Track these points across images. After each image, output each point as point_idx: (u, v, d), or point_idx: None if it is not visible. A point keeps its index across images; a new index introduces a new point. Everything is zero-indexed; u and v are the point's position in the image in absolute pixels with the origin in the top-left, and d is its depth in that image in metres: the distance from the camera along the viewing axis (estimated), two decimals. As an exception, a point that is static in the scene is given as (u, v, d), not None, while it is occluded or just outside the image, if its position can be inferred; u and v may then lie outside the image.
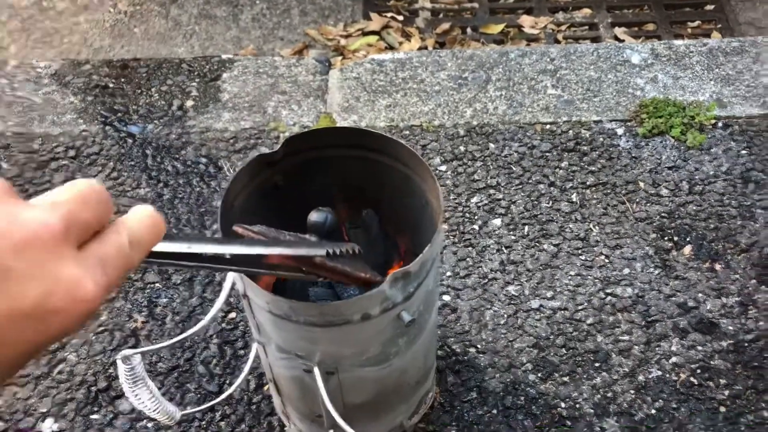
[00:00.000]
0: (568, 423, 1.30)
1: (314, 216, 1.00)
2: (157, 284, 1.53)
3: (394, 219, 1.17)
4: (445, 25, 2.51)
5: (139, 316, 1.48)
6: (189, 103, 1.91)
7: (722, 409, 1.30)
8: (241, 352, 1.42)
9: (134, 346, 1.43)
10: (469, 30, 2.52)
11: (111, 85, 1.97)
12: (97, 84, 1.97)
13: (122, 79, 1.98)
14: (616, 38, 2.47)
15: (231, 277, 1.02)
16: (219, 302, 0.98)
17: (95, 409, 1.35)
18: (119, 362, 1.04)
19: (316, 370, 0.98)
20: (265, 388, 1.36)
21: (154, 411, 1.10)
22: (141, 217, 0.41)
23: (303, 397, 1.12)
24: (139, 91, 1.95)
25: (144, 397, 1.07)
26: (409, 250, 1.19)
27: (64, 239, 0.35)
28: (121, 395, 1.35)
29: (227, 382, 1.38)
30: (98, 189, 0.38)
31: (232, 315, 1.47)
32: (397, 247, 1.21)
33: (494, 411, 1.32)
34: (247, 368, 1.26)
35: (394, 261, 1.20)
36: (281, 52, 2.44)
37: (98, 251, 0.37)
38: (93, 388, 1.38)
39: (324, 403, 0.99)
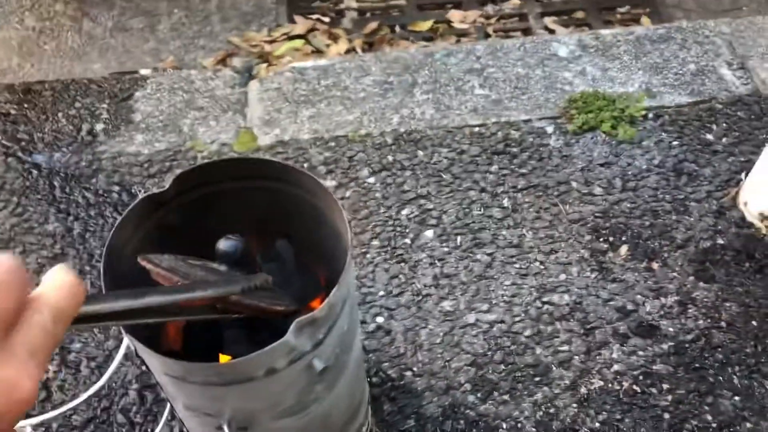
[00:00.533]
0: (510, 445, 1.24)
1: (223, 245, 0.93)
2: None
3: (308, 249, 1.09)
4: (373, 25, 2.43)
5: (50, 365, 1.37)
6: (99, 126, 1.80)
7: (666, 416, 1.26)
8: (164, 395, 1.33)
9: (45, 400, 1.33)
10: (397, 28, 2.45)
11: (13, 112, 1.83)
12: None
13: (26, 105, 1.85)
14: (546, 28, 2.43)
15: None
16: (113, 365, 0.89)
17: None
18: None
19: (226, 429, 0.90)
20: (190, 434, 1.27)
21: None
22: (59, 286, 0.38)
23: (220, 452, 1.03)
24: (45, 116, 1.83)
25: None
26: (329, 281, 1.12)
27: None
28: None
29: (149, 430, 1.29)
30: (14, 269, 0.35)
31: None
32: (316, 279, 1.13)
33: (433, 438, 1.25)
34: (163, 419, 1.17)
35: (314, 293, 1.12)
36: (203, 62, 2.33)
37: (25, 340, 0.34)
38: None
39: (239, 460, 0.91)
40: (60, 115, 1.83)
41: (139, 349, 0.83)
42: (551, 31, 2.39)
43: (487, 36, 2.40)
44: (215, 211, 1.03)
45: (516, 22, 2.47)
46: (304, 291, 1.12)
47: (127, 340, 0.93)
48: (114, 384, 1.34)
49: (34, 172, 1.69)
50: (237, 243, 0.95)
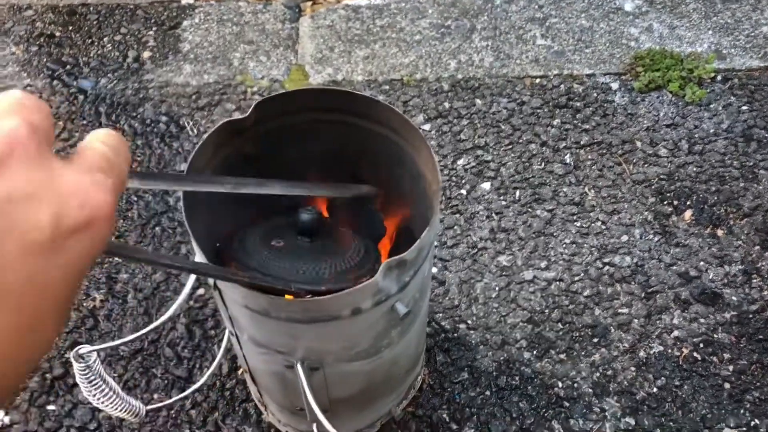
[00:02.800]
0: (566, 404, 1.21)
1: (305, 216, 0.91)
2: (116, 258, 1.39)
3: (381, 192, 1.05)
4: None
5: (98, 294, 1.35)
6: (146, 54, 1.74)
7: (726, 385, 1.23)
8: (212, 332, 1.30)
9: (93, 328, 1.30)
10: None
11: (58, 34, 1.77)
12: (41, 32, 1.78)
13: (70, 27, 1.79)
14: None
15: (198, 257, 0.89)
16: (184, 293, 0.86)
17: (51, 398, 1.23)
18: (72, 361, 0.91)
19: (299, 367, 0.87)
20: (240, 372, 1.25)
21: (115, 410, 0.98)
22: (103, 132, 0.34)
23: (283, 390, 1.01)
24: (90, 40, 1.77)
25: (103, 396, 0.95)
26: (398, 227, 1.07)
27: (38, 143, 0.28)
28: (79, 383, 1.22)
29: (197, 366, 1.26)
30: (30, 95, 0.31)
31: (201, 291, 1.35)
32: (381, 222, 1.09)
33: (487, 392, 1.23)
34: (220, 354, 1.15)
35: (378, 237, 1.08)
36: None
37: (83, 160, 0.31)
38: (48, 376, 1.25)
39: (307, 399, 0.88)
40: (105, 40, 1.77)
41: (224, 275, 0.79)
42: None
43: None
44: (293, 143, 0.99)
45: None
46: (372, 237, 1.08)
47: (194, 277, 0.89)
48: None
49: (80, 97, 1.64)
50: (313, 215, 0.94)
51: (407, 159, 0.96)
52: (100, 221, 0.29)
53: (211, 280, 0.84)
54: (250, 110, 0.89)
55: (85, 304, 1.34)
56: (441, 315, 1.31)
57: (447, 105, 1.63)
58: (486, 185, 1.49)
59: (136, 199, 1.48)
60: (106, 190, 0.30)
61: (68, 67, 1.70)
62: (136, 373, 1.26)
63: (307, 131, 0.97)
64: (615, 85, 1.65)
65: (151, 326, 0.90)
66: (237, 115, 1.63)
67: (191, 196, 0.84)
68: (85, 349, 0.92)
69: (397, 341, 0.94)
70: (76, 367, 0.92)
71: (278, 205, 1.00)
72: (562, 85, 1.65)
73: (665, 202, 1.45)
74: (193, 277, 0.94)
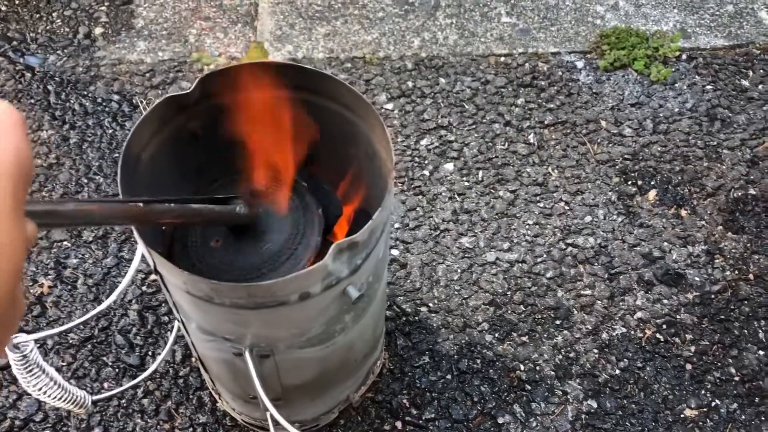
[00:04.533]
0: (528, 387, 1.20)
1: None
2: (65, 242, 1.34)
3: (335, 171, 1.01)
4: None
5: (45, 280, 1.29)
6: (98, 30, 1.67)
7: (688, 366, 1.23)
8: (165, 318, 1.26)
9: (40, 316, 1.25)
10: None
11: (3, 8, 1.69)
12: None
13: (17, 1, 1.71)
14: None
15: (140, 249, 0.85)
16: (127, 278, 0.81)
17: (-5, 389, 1.18)
18: (8, 351, 0.87)
19: (247, 355, 0.84)
20: (193, 359, 1.21)
21: (58, 401, 0.93)
22: None
23: (234, 379, 0.97)
24: (38, 15, 1.69)
25: (44, 386, 0.91)
26: (356, 208, 1.04)
27: None
28: (25, 373, 1.17)
29: (150, 353, 1.22)
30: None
31: (154, 276, 1.30)
32: (337, 202, 1.05)
33: (448, 376, 1.20)
34: (170, 341, 1.11)
35: (335, 217, 1.04)
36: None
37: None
38: (-8, 365, 1.20)
39: (257, 388, 0.85)
40: (55, 15, 1.70)
41: (159, 263, 0.75)
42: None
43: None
44: (242, 120, 0.94)
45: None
46: (325, 218, 1.04)
47: (141, 255, 0.85)
48: (113, 304, 1.27)
49: (27, 74, 1.57)
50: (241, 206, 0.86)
51: (362, 137, 0.92)
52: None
53: (152, 263, 0.80)
54: (194, 84, 0.85)
55: (32, 291, 1.28)
56: (402, 298, 1.28)
57: (410, 84, 1.59)
58: (449, 166, 1.46)
59: (86, 181, 1.42)
60: None
61: (15, 43, 1.63)
62: (86, 361, 1.21)
63: (257, 108, 0.93)
64: (580, 64, 1.63)
65: (96, 310, 0.86)
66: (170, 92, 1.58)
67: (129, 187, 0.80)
68: (20, 338, 0.87)
69: (351, 326, 0.91)
70: (11, 357, 0.87)
71: (222, 189, 0.96)
72: (527, 64, 1.62)
73: (629, 182, 1.44)
74: (138, 256, 0.90)
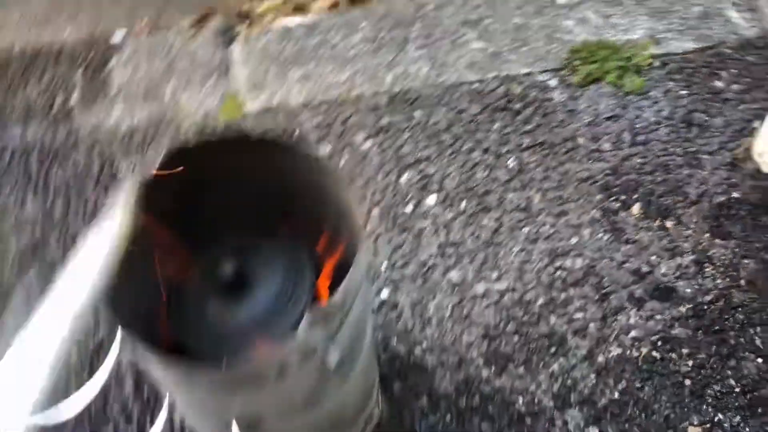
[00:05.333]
0: (528, 420, 1.19)
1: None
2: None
3: (312, 226, 1.01)
4: None
5: (40, 356, 1.30)
6: (74, 97, 1.69)
7: (687, 382, 1.22)
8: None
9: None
10: None
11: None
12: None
13: (-7, 78, 1.74)
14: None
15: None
16: (104, 371, 0.82)
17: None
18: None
19: (234, 427, 0.84)
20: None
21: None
22: None
23: (228, 449, 0.97)
24: (14, 89, 1.71)
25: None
26: (337, 263, 1.04)
27: None
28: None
29: (149, 422, 1.22)
30: None
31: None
32: (317, 259, 1.06)
33: (447, 417, 1.20)
34: (164, 412, 1.11)
35: (316, 275, 1.04)
36: (181, 22, 2.20)
37: None
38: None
39: (250, 459, 0.85)
40: (30, 87, 1.72)
41: (136, 347, 0.75)
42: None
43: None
44: (210, 191, 0.95)
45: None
46: (310, 277, 1.04)
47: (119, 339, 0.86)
48: (107, 378, 1.27)
49: (6, 150, 1.59)
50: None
51: (331, 197, 0.92)
52: None
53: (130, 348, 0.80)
54: (158, 163, 0.85)
55: (28, 370, 1.29)
56: (395, 340, 1.28)
57: (386, 120, 1.60)
58: (431, 199, 1.46)
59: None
60: None
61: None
62: (86, 436, 1.22)
63: (223, 178, 0.93)
64: (553, 82, 1.63)
65: (78, 409, 0.86)
66: (136, 176, 1.59)
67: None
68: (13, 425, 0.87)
69: (339, 387, 0.91)
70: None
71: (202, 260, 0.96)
72: (500, 88, 1.62)
73: (612, 198, 1.44)
74: (117, 341, 0.91)
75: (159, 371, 0.79)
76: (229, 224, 0.94)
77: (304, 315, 0.73)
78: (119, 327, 0.75)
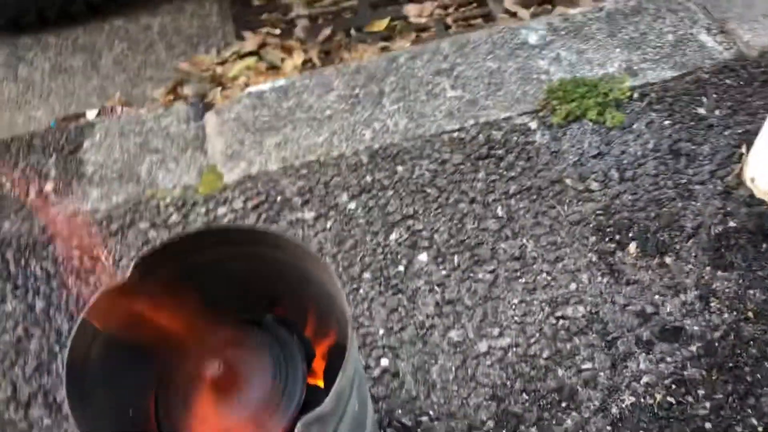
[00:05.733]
0: (547, 484, 1.14)
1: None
2: (45, 420, 1.29)
3: (300, 311, 0.97)
4: (327, 31, 2.30)
5: (30, 465, 1.24)
6: (48, 186, 1.65)
7: (708, 425, 1.17)
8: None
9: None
10: (353, 32, 2.32)
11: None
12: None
13: (-36, 173, 1.70)
14: (507, 11, 2.31)
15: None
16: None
17: None
18: None
19: None
20: None
21: None
22: None
23: None
24: (-13, 183, 1.67)
25: None
26: (328, 343, 0.99)
27: None
28: None
29: None
30: None
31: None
32: (308, 343, 1.01)
33: (463, 489, 1.14)
34: None
35: (309, 360, 0.99)
36: (153, 94, 2.18)
37: None
38: None
39: None
40: (3, 179, 1.68)
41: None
42: (513, 14, 2.28)
43: (448, 27, 2.28)
44: (190, 287, 0.90)
45: (474, 9, 2.35)
46: (296, 364, 0.99)
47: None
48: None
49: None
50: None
51: (315, 282, 0.88)
52: None
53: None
54: (130, 270, 0.81)
55: (17, 481, 1.22)
56: (400, 411, 1.23)
57: (369, 178, 1.56)
58: (423, 257, 1.42)
59: (58, 348, 1.38)
60: None
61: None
62: None
63: (202, 272, 0.89)
64: (534, 125, 1.61)
65: None
66: (152, 234, 1.55)
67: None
68: None
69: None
70: None
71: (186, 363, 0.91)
72: (480, 135, 1.60)
73: (607, 239, 1.40)
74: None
75: None
76: (215, 317, 0.90)
77: (297, 422, 0.68)
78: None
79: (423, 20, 2.35)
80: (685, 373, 1.23)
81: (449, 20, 2.33)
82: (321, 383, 0.91)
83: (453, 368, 1.27)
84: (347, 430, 0.78)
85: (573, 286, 1.34)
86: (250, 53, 2.29)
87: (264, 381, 0.89)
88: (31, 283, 1.48)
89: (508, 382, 1.24)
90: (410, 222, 1.48)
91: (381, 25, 2.34)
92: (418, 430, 1.20)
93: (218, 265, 0.89)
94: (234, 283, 0.92)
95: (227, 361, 0.88)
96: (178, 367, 0.92)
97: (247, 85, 2.04)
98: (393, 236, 1.46)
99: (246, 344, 0.93)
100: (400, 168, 1.57)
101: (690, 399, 1.20)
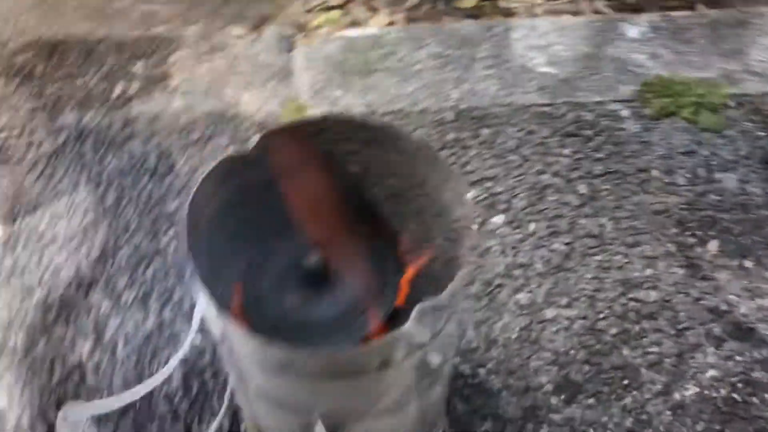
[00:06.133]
0: (601, 454, 1.12)
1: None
2: (104, 303, 1.28)
3: (397, 228, 0.96)
4: None
5: (85, 342, 1.23)
6: (133, 87, 1.65)
7: (770, 428, 1.14)
8: (211, 382, 1.19)
9: (79, 384, 1.19)
10: (441, 4, 2.31)
11: (38, 71, 1.69)
12: (21, 67, 1.69)
13: (51, 64, 1.71)
14: (597, 12, 2.29)
15: (200, 309, 0.79)
16: (183, 349, 0.76)
17: (32, 464, 1.11)
18: (58, 425, 0.80)
19: (318, 427, 0.77)
20: (243, 428, 1.14)
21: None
22: None
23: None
24: (73, 76, 1.68)
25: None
26: (419, 269, 0.98)
27: None
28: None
29: (197, 421, 1.15)
30: None
31: (197, 339, 1.24)
32: (400, 264, 0.99)
33: (514, 443, 1.13)
34: (222, 410, 1.04)
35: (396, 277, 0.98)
36: (234, 30, 2.18)
37: None
38: (30, 438, 1.14)
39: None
40: (90, 74, 1.68)
41: (230, 330, 0.69)
42: (601, 14, 2.26)
43: (535, 17, 2.27)
44: (304, 173, 0.90)
45: (566, 4, 2.33)
46: (388, 272, 0.98)
47: (200, 317, 0.80)
48: (154, 369, 1.21)
49: (63, 134, 1.55)
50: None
51: (430, 193, 0.87)
52: None
53: (217, 332, 0.74)
54: (255, 141, 0.81)
55: (70, 357, 1.22)
56: (459, 359, 1.22)
57: (452, 136, 1.55)
58: (498, 219, 1.41)
59: (124, 243, 1.38)
60: None
61: (50, 104, 1.61)
62: (127, 432, 1.14)
63: (316, 164, 0.88)
64: (626, 113, 1.59)
65: (143, 389, 0.80)
66: (231, 150, 1.55)
67: (195, 234, 0.75)
68: (72, 410, 0.81)
69: (425, 393, 0.84)
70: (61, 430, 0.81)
71: (283, 248, 0.90)
72: (570, 113, 1.58)
73: (688, 233, 1.38)
74: (197, 321, 0.85)
75: (248, 359, 0.73)
76: (320, 208, 0.89)
77: (415, 308, 0.67)
78: (207, 302, 0.69)
79: (513, 5, 2.33)
80: (753, 374, 1.20)
81: (538, 10, 2.31)
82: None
83: (517, 328, 1.25)
84: (449, 335, 0.77)
85: (648, 271, 1.32)
86: (336, 6, 2.28)
87: (357, 283, 0.88)
88: (104, 176, 1.48)
89: (572, 351, 1.22)
90: (489, 184, 1.47)
91: (470, 2, 2.32)
92: (476, 379, 1.19)
93: (335, 157, 0.88)
94: (344, 180, 0.91)
95: (326, 254, 0.87)
96: (270, 256, 0.91)
97: (329, 35, 2.04)
98: (470, 194, 1.45)
99: (345, 243, 0.92)
100: (485, 131, 1.56)
101: (755, 400, 1.17)
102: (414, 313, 0.66)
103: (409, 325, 0.66)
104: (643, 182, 1.46)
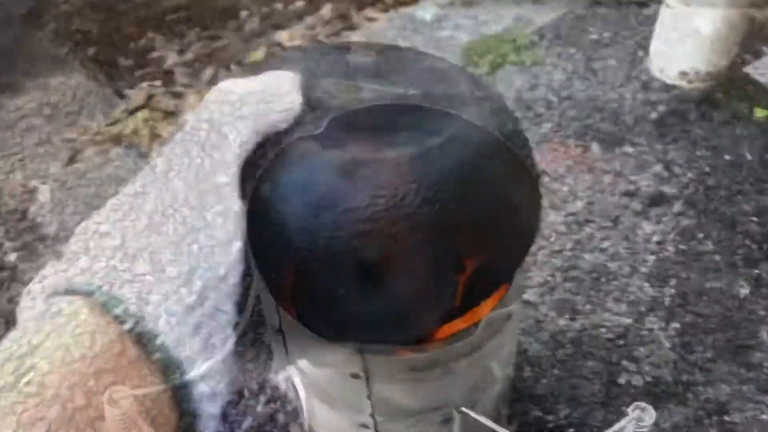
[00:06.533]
0: None
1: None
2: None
3: (461, 218, 0.71)
4: (209, 70, 2.10)
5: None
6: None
7: (717, 258, 1.22)
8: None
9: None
10: (232, 66, 2.25)
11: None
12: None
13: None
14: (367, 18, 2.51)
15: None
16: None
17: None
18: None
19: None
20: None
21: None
22: None
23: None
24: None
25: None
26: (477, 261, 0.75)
27: None
28: None
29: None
30: None
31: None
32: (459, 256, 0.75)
33: None
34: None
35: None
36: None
37: None
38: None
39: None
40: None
41: (300, 333, 0.70)
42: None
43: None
44: (373, 158, 0.71)
45: (340, 25, 2.50)
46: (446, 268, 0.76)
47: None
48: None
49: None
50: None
51: (494, 185, 0.69)
52: None
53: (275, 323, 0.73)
54: (325, 123, 0.69)
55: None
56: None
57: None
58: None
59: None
60: None
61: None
62: None
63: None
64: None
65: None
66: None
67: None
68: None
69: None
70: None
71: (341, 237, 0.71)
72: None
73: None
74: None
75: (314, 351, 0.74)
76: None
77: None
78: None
79: (297, 42, 2.43)
80: (682, 223, 1.35)
81: (322, 38, 2.45)
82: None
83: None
84: (509, 343, 0.78)
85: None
86: (140, 107, 2.10)
87: (414, 276, 0.75)
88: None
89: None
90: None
91: (258, 54, 2.35)
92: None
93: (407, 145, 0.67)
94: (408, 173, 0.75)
95: (386, 247, 0.73)
96: (327, 246, 0.71)
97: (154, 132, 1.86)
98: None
99: (398, 237, 0.74)
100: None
101: (694, 242, 1.31)
102: (482, 322, 0.70)
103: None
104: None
